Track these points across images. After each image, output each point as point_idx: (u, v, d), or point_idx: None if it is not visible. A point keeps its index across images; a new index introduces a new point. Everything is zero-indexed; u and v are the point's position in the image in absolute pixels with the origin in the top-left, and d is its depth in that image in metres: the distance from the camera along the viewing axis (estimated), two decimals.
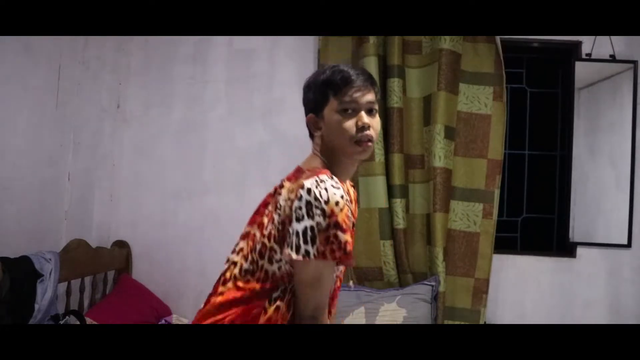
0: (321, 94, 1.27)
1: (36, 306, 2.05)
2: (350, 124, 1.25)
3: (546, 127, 2.97)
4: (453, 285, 2.66)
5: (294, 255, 1.15)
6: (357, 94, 1.25)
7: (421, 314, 2.54)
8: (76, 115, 2.77)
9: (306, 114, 1.32)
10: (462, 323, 2.64)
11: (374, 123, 1.28)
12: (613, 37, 2.75)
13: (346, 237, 1.15)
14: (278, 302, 1.21)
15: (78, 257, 2.40)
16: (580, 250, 2.78)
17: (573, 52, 2.85)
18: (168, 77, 2.89)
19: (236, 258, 1.27)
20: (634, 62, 2.74)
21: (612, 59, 2.76)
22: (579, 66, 2.77)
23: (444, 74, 2.66)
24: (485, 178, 2.68)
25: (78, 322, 2.15)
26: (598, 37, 2.75)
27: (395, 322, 2.51)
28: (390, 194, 2.68)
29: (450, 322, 2.65)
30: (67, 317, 2.14)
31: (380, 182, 2.65)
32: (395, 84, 2.67)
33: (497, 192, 2.67)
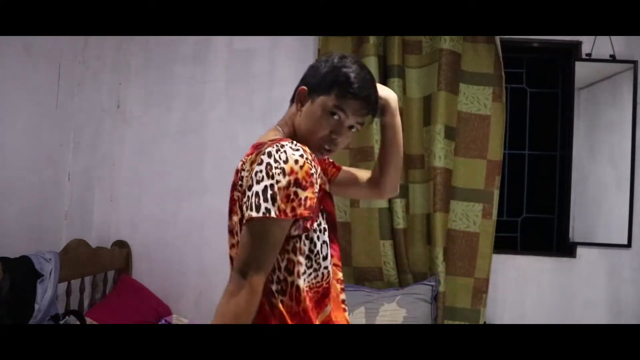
0: (328, 82, 1.25)
1: (36, 306, 2.05)
2: (327, 128, 1.25)
3: (546, 127, 2.97)
4: (453, 285, 2.66)
5: (254, 214, 1.12)
6: (351, 111, 1.25)
7: (421, 314, 2.54)
8: (76, 115, 2.77)
9: (302, 83, 1.30)
10: (462, 323, 2.64)
11: (347, 137, 1.29)
12: (613, 37, 2.75)
13: (306, 194, 1.14)
14: (281, 297, 1.20)
15: (78, 257, 2.40)
16: (580, 250, 2.78)
17: (573, 52, 2.85)
18: (168, 77, 2.89)
19: (232, 253, 1.28)
20: (634, 62, 2.74)
21: (612, 59, 2.76)
22: (579, 66, 2.78)
23: (444, 74, 2.66)
24: (485, 179, 2.68)
25: (78, 322, 2.15)
26: (598, 37, 2.75)
27: (395, 322, 2.52)
28: None
29: (450, 322, 2.65)
30: (67, 317, 2.14)
31: None
32: (395, 84, 2.67)
33: (496, 193, 2.67)
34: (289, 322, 1.19)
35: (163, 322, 2.61)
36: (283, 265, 1.20)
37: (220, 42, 2.88)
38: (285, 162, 1.13)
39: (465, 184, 2.69)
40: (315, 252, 1.24)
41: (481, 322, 2.64)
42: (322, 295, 1.26)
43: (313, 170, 1.17)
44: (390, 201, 2.67)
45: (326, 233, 1.27)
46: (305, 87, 1.28)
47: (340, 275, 1.33)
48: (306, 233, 1.21)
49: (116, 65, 2.88)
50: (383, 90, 1.38)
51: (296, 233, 1.20)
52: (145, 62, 2.90)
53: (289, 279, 1.20)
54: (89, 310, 2.49)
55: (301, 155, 1.15)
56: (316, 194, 1.18)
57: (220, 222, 1.43)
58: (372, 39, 2.68)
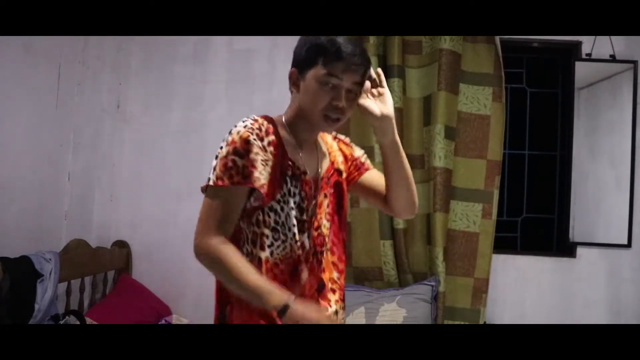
0: (312, 55, 1.25)
1: (36, 306, 2.05)
2: (325, 98, 1.24)
3: (546, 127, 2.98)
4: (453, 285, 2.66)
5: (202, 184, 1.23)
6: (343, 73, 1.22)
7: (421, 314, 2.54)
8: (76, 115, 2.77)
9: (292, 65, 1.31)
10: (462, 323, 2.64)
11: (350, 104, 1.26)
12: (613, 37, 2.75)
13: (244, 162, 1.19)
14: None
15: (78, 257, 2.40)
16: (580, 250, 2.78)
17: (573, 52, 2.85)
18: (168, 77, 2.89)
19: None
20: (634, 62, 2.74)
21: (612, 59, 2.76)
22: (579, 66, 2.78)
23: (444, 74, 2.66)
24: (485, 179, 2.68)
25: (78, 322, 2.15)
26: (598, 37, 2.75)
27: (395, 322, 2.51)
28: None
29: (450, 322, 2.65)
30: (67, 317, 2.14)
31: None
32: (395, 84, 2.67)
33: (496, 193, 2.67)
34: None
35: (163, 322, 2.61)
36: (250, 237, 1.24)
37: (220, 42, 2.88)
38: (230, 133, 1.22)
39: (465, 184, 2.69)
40: (281, 222, 1.24)
41: (481, 322, 2.64)
42: (294, 267, 1.26)
43: (252, 138, 1.21)
44: None
45: (294, 203, 1.26)
46: (294, 69, 1.29)
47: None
48: (268, 205, 1.23)
49: (116, 65, 2.88)
50: (385, 106, 1.32)
51: (256, 204, 1.23)
52: (145, 62, 2.90)
53: (254, 251, 1.24)
54: (89, 310, 2.49)
55: (245, 126, 1.23)
56: (261, 162, 1.21)
57: None
58: (372, 39, 2.68)
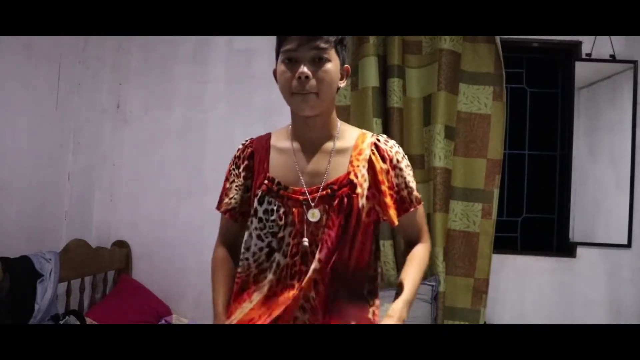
0: (276, 47, 1.30)
1: (36, 306, 2.05)
2: (289, 75, 1.22)
3: (546, 127, 2.98)
4: (453, 285, 2.66)
5: None
6: (296, 44, 1.20)
7: (421, 314, 2.54)
8: (76, 115, 2.77)
9: None
10: (462, 323, 2.64)
11: (321, 72, 1.19)
12: (613, 37, 2.75)
13: (226, 184, 1.34)
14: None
15: (78, 257, 2.41)
16: (580, 250, 2.78)
17: (573, 52, 2.85)
18: (168, 77, 2.89)
19: None
20: (634, 62, 2.74)
21: (612, 59, 2.76)
22: (579, 66, 2.78)
23: (444, 74, 2.66)
24: (485, 178, 2.68)
25: (78, 322, 2.15)
26: (598, 37, 2.75)
27: None
28: None
29: (450, 322, 2.65)
30: (67, 317, 2.14)
31: None
32: (395, 84, 2.67)
33: (496, 192, 2.67)
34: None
35: (163, 322, 2.61)
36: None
37: (220, 42, 2.88)
38: None
39: (465, 184, 2.69)
40: (244, 242, 1.30)
41: (481, 322, 2.64)
42: (240, 288, 1.30)
43: (232, 167, 1.33)
44: None
45: (261, 222, 1.24)
46: (274, 68, 1.33)
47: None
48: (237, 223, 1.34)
49: (116, 65, 2.88)
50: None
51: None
52: (145, 62, 2.90)
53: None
54: (89, 310, 2.49)
55: (238, 149, 1.34)
56: (235, 189, 1.31)
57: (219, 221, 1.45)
58: (372, 39, 2.67)
